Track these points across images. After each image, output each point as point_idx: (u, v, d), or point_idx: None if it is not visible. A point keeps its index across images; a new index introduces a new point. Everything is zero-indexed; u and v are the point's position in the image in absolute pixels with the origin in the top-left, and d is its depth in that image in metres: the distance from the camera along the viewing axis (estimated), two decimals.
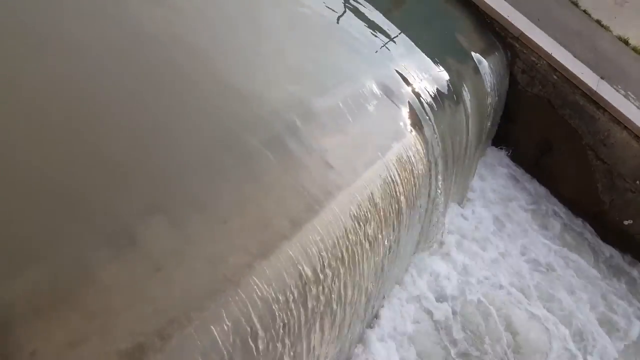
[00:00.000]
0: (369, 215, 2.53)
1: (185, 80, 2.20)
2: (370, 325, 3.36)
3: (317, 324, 2.04)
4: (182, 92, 2.14)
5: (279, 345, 1.73)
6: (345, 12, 3.93)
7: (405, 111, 3.45)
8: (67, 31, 1.95)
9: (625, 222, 6.21)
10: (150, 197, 1.72)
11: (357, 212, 2.44)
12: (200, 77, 2.28)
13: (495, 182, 6.05)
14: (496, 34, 6.08)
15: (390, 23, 4.30)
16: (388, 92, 3.43)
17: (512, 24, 6.00)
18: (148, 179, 1.76)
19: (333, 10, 3.79)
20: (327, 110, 2.76)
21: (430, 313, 3.84)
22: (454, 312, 3.98)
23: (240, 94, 2.38)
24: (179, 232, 1.69)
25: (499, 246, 4.99)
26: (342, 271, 2.20)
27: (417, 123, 3.45)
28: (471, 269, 4.47)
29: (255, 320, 1.60)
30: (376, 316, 3.47)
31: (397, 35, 4.24)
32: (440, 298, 4.01)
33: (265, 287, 1.70)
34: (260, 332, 1.64)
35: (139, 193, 1.70)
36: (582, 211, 6.40)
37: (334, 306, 2.17)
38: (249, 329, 1.61)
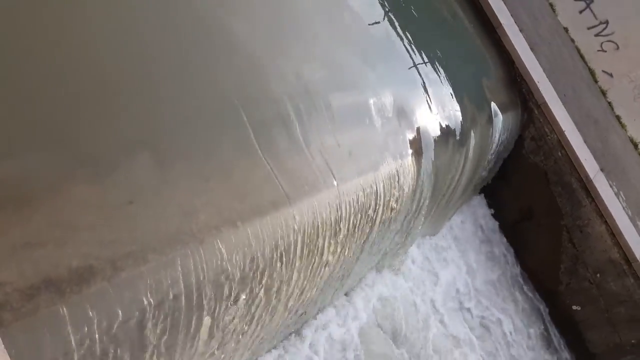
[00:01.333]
0: (343, 221, 2.58)
1: (213, 41, 2.20)
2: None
3: (260, 309, 2.08)
4: (207, 51, 2.15)
5: (222, 316, 1.77)
6: (386, 21, 3.93)
7: (410, 136, 3.50)
8: None
9: (574, 307, 6.41)
10: (145, 132, 1.73)
11: (334, 215, 2.49)
12: (228, 43, 2.28)
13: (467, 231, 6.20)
14: (521, 93, 6.16)
15: (426, 46, 4.32)
16: (400, 112, 3.46)
17: (539, 91, 6.08)
18: (147, 113, 1.77)
19: (374, 17, 3.80)
20: (336, 108, 2.78)
21: None
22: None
23: (261, 68, 2.39)
24: (161, 173, 1.70)
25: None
26: (300, 263, 2.24)
27: (417, 151, 3.50)
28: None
29: (208, 284, 1.63)
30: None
31: (428, 62, 4.28)
32: None
33: (227, 254, 1.73)
34: (208, 294, 1.67)
35: (134, 124, 1.70)
36: (539, 283, 6.59)
37: (282, 297, 2.21)
38: (195, 290, 1.64)
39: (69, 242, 1.34)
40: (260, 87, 2.29)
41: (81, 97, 1.55)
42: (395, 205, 3.17)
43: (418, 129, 3.57)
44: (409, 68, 3.91)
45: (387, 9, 3.99)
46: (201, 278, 1.65)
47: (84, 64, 1.63)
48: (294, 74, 2.55)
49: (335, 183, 2.49)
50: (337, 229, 2.59)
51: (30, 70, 1.46)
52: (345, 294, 3.95)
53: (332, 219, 2.50)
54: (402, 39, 4.00)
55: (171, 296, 1.50)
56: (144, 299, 1.40)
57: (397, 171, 3.11)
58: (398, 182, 3.12)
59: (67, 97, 1.51)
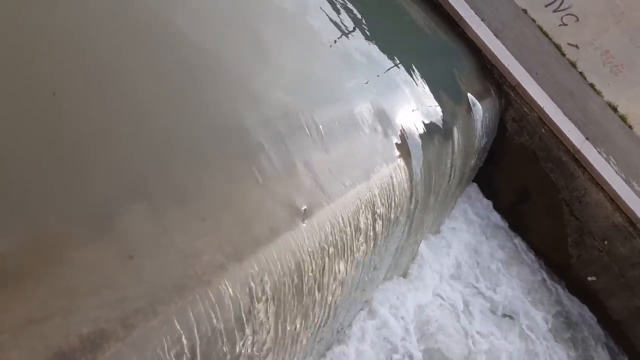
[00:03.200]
0: (346, 235, 2.56)
1: (185, 73, 2.20)
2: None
3: (284, 337, 2.03)
4: (181, 84, 2.14)
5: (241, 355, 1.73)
6: (351, 32, 3.98)
7: (395, 139, 3.51)
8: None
9: (589, 279, 6.39)
10: (133, 180, 1.71)
11: (334, 231, 2.47)
12: (200, 73, 2.28)
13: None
14: (494, 80, 6.24)
15: (394, 50, 4.38)
16: (381, 118, 3.48)
17: (511, 74, 6.18)
18: (133, 161, 1.75)
19: (339, 29, 3.85)
20: (318, 125, 2.77)
21: None
22: None
23: (236, 95, 2.39)
24: (157, 221, 1.68)
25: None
26: (314, 287, 2.21)
27: (405, 153, 3.51)
28: None
29: (222, 325, 1.60)
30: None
31: (399, 64, 4.32)
32: None
33: (235, 291, 1.70)
34: (224, 337, 1.63)
35: (122, 174, 1.68)
36: (548, 260, 6.57)
37: (298, 324, 2.17)
38: (210, 333, 1.60)
39: (76, 310, 1.30)
40: (241, 116, 2.29)
41: (61, 157, 1.53)
42: (394, 211, 3.16)
43: (402, 131, 3.59)
44: (383, 73, 3.95)
45: (349, 21, 4.05)
46: (214, 321, 1.62)
47: (66, 116, 1.61)
48: (271, 97, 2.56)
49: (330, 199, 2.48)
50: (343, 244, 2.57)
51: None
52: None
53: (336, 235, 2.48)
54: (370, 46, 4.04)
55: (187, 345, 1.46)
56: (161, 353, 1.36)
57: (390, 176, 3.10)
58: (392, 187, 3.11)
59: (46, 159, 1.49)
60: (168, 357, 1.42)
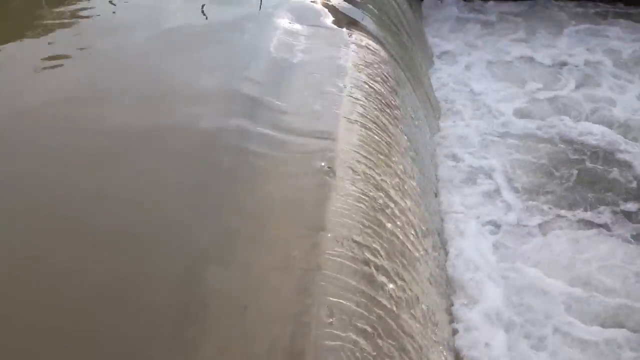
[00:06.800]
0: (375, 117, 2.27)
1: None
2: None
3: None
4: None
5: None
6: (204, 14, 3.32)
7: (330, 22, 3.15)
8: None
9: None
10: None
11: (363, 121, 2.18)
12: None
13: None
14: None
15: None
16: (302, 21, 3.07)
17: None
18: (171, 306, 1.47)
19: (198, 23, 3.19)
20: (263, 85, 2.34)
21: None
22: None
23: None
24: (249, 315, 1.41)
25: None
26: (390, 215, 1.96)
27: (350, 24, 3.15)
28: None
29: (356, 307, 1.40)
30: None
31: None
32: None
33: (340, 279, 1.48)
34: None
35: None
36: None
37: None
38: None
39: None
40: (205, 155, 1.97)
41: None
42: (391, 76, 2.84)
43: (330, 13, 3.20)
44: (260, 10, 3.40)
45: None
46: (351, 311, 1.42)
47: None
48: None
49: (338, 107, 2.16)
50: (381, 149, 2.27)
51: None
52: None
53: (371, 146, 2.19)
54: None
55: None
56: None
57: (360, 53, 2.76)
58: (372, 59, 2.78)
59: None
60: None
